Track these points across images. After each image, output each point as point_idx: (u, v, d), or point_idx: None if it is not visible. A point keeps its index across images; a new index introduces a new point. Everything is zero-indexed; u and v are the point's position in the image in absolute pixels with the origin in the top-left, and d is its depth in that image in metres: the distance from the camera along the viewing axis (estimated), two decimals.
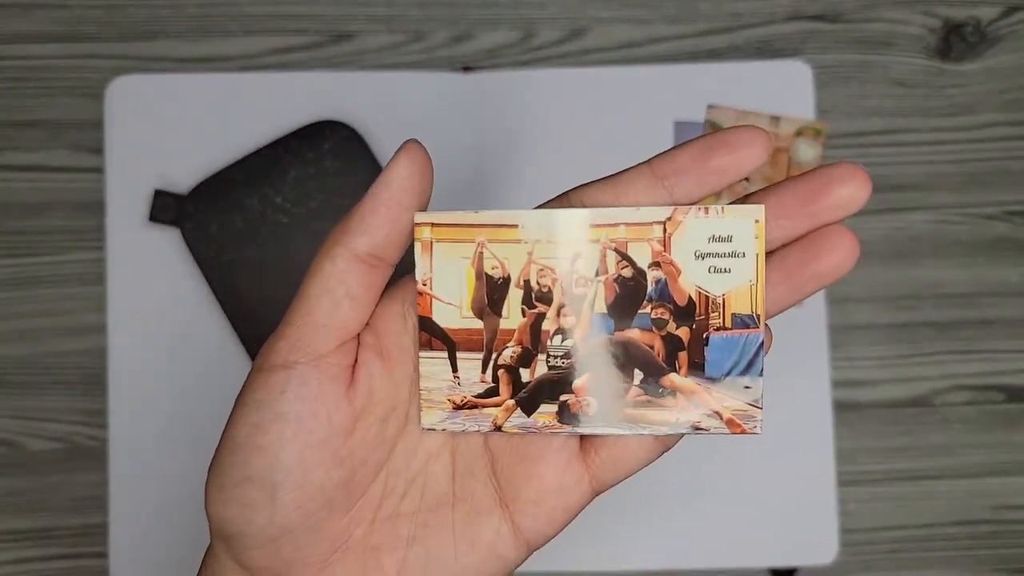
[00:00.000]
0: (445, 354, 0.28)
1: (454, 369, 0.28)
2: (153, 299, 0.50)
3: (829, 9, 0.53)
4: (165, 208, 0.49)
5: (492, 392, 0.28)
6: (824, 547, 0.50)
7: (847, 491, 0.51)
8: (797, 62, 0.52)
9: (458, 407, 0.28)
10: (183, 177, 0.50)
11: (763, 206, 0.26)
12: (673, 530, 0.50)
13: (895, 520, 0.51)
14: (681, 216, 0.27)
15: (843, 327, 0.52)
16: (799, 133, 0.51)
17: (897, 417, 0.52)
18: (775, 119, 0.51)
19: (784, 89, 0.52)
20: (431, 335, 0.28)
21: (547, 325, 0.28)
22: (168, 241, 0.50)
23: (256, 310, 0.49)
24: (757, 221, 0.26)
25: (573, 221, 0.27)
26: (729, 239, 0.27)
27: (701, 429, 0.27)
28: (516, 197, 0.51)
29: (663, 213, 0.27)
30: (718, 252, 0.27)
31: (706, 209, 0.27)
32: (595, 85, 0.52)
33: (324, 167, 0.49)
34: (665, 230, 0.27)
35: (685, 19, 0.53)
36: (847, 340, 0.52)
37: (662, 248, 0.27)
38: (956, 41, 0.53)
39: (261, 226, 0.49)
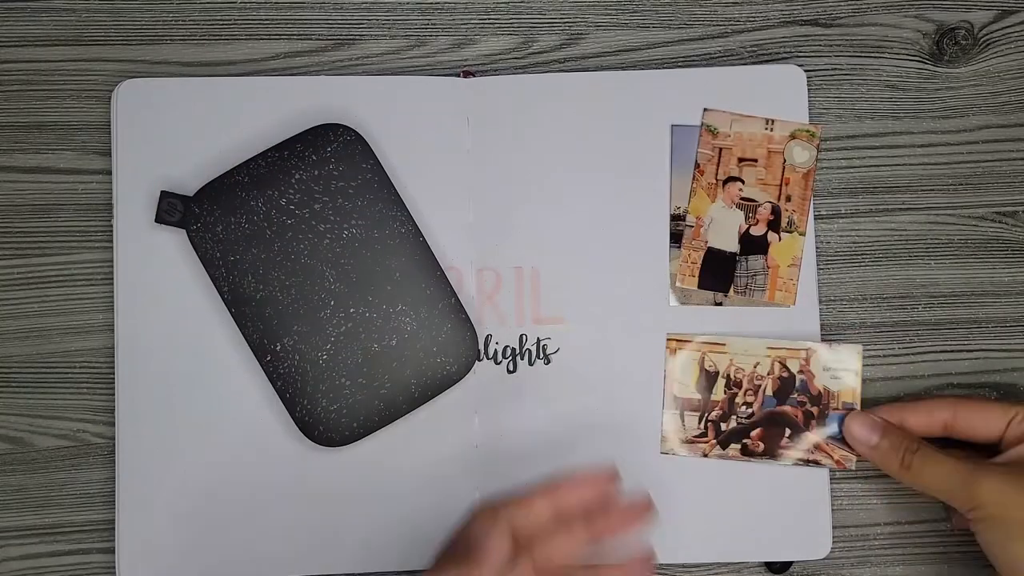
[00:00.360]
0: (678, 412, 0.51)
1: (682, 421, 0.51)
2: (160, 298, 0.51)
3: (823, 14, 0.54)
4: (171, 209, 0.50)
5: (703, 435, 0.51)
6: (818, 542, 0.51)
7: (841, 487, 0.52)
8: (791, 66, 0.53)
9: (683, 442, 0.51)
10: (189, 179, 0.51)
11: (860, 345, 0.51)
12: (669, 525, 0.51)
13: (888, 516, 0.52)
14: (816, 348, 0.51)
15: (836, 326, 0.53)
16: (793, 136, 0.52)
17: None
18: (770, 122, 0.52)
19: (778, 93, 0.53)
20: (669, 400, 0.51)
21: (738, 399, 0.51)
22: (175, 242, 0.51)
23: (261, 310, 0.50)
24: (859, 353, 0.51)
25: (758, 344, 0.51)
26: (842, 361, 0.51)
27: (820, 464, 0.51)
28: (515, 200, 0.52)
29: (807, 344, 0.51)
30: (835, 367, 0.51)
31: (830, 344, 0.51)
32: (593, 89, 0.52)
33: (327, 170, 0.50)
34: (808, 353, 0.51)
35: (681, 24, 0.54)
36: (840, 339, 0.52)
37: (806, 362, 0.51)
38: (949, 45, 0.54)
39: (266, 227, 0.50)
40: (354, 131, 0.50)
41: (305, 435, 0.50)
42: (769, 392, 0.51)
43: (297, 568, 0.51)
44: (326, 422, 0.50)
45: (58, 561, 0.52)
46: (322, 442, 0.50)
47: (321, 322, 0.50)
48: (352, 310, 0.50)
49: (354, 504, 0.51)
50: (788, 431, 0.51)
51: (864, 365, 0.52)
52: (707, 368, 0.51)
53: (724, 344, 0.51)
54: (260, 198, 0.50)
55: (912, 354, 0.53)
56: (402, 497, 0.51)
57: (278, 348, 0.50)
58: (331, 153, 0.50)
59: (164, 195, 0.50)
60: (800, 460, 0.51)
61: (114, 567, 0.51)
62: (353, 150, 0.50)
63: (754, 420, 0.51)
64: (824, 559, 0.51)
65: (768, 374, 0.51)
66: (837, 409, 0.51)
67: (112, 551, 0.51)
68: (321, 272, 0.50)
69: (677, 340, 0.51)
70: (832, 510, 0.51)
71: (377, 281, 0.50)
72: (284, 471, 0.51)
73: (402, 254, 0.50)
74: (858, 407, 0.51)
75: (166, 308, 0.51)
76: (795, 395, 0.51)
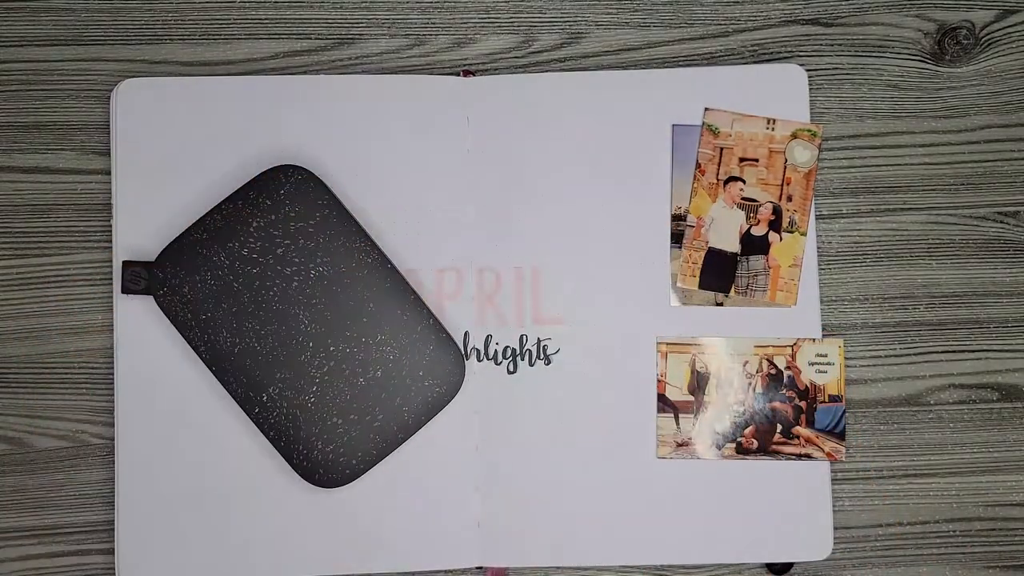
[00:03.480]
0: (672, 415, 0.51)
1: (677, 423, 0.51)
2: None
3: (824, 13, 0.54)
4: (135, 278, 0.49)
5: (698, 436, 0.51)
6: (819, 543, 0.51)
7: (842, 488, 0.52)
8: (792, 65, 0.53)
9: (679, 445, 0.51)
10: (189, 175, 0.51)
11: (842, 339, 0.52)
12: (670, 527, 0.51)
13: (889, 517, 0.52)
14: (802, 342, 0.51)
15: (838, 326, 0.52)
16: (794, 136, 0.52)
17: (891, 416, 0.53)
18: (771, 122, 0.52)
19: (780, 92, 0.52)
20: (663, 404, 0.51)
21: (730, 399, 0.51)
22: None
23: (241, 363, 0.49)
24: (840, 347, 0.52)
25: (747, 342, 0.51)
26: (825, 355, 0.51)
27: (812, 457, 0.51)
28: (516, 200, 0.52)
29: (791, 341, 0.51)
30: (820, 362, 0.51)
31: (813, 340, 0.51)
32: (594, 89, 0.52)
33: (284, 212, 0.49)
34: (793, 349, 0.51)
35: (682, 23, 0.54)
36: (824, 334, 0.52)
37: (792, 358, 0.51)
38: (950, 45, 0.54)
39: (232, 280, 0.49)
40: (305, 170, 0.50)
41: (306, 480, 0.49)
42: (759, 389, 0.51)
43: (296, 569, 0.51)
44: (325, 464, 0.49)
45: (57, 562, 0.51)
46: (325, 484, 0.49)
47: (303, 365, 0.49)
48: (332, 348, 0.49)
49: (352, 504, 0.51)
50: (780, 427, 0.51)
51: (866, 366, 0.52)
52: (698, 369, 0.51)
53: (714, 345, 0.51)
54: (222, 252, 0.49)
55: (914, 354, 0.53)
56: (400, 496, 0.51)
57: (264, 399, 0.49)
58: (285, 195, 0.49)
59: (127, 265, 0.50)
60: (793, 454, 0.51)
61: (113, 568, 0.50)
62: (306, 188, 0.50)
63: (746, 418, 0.51)
64: (825, 560, 0.51)
65: (757, 372, 0.51)
66: (824, 402, 0.51)
67: (111, 552, 0.51)
68: (295, 315, 0.49)
69: (668, 343, 0.51)
70: (833, 511, 0.51)
71: (352, 315, 0.50)
72: (282, 473, 0.51)
73: (372, 284, 0.50)
74: (843, 399, 0.51)
75: None
76: (784, 391, 0.51)
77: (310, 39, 0.54)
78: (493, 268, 0.52)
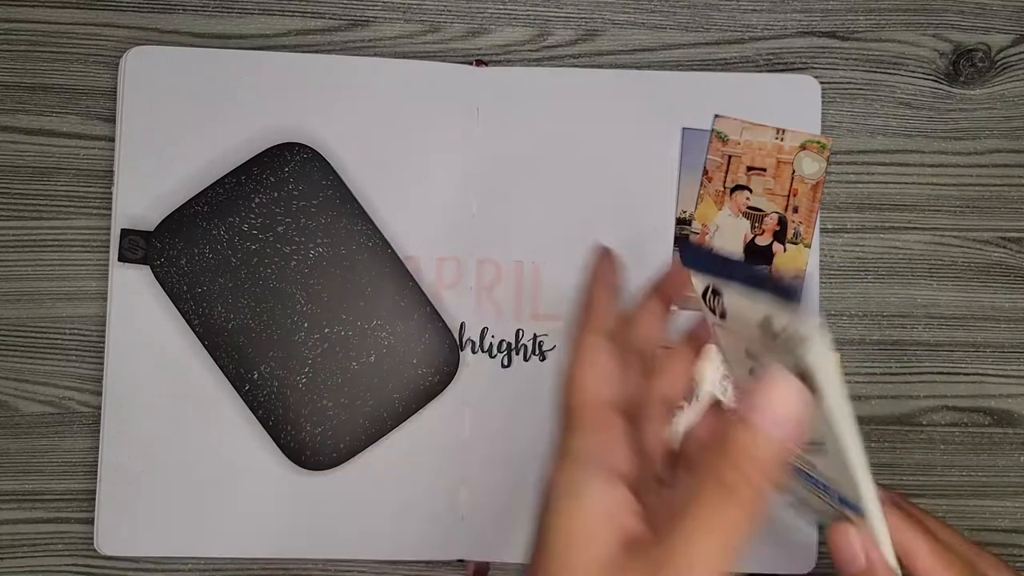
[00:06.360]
0: None
1: None
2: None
3: (841, 27, 0.54)
4: (133, 247, 0.49)
5: None
6: (803, 558, 0.51)
7: None
8: (807, 77, 0.53)
9: None
10: (192, 156, 0.51)
11: (839, 354, 0.48)
12: None
13: None
14: None
15: (835, 341, 0.52)
16: (803, 147, 0.52)
17: (882, 434, 0.52)
18: (780, 132, 0.52)
19: (791, 102, 0.52)
20: None
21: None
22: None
23: (235, 339, 0.49)
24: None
25: None
26: None
27: None
28: (521, 193, 0.52)
29: None
30: None
31: None
32: (606, 87, 0.52)
33: (287, 190, 0.49)
34: None
35: (698, 27, 0.54)
36: (839, 354, 0.52)
37: None
38: (965, 66, 0.54)
39: (231, 255, 0.49)
40: (311, 148, 0.49)
41: (292, 461, 0.49)
42: None
43: (274, 550, 0.50)
44: (312, 447, 0.49)
45: (35, 528, 0.51)
46: (310, 467, 0.49)
47: (296, 345, 0.49)
48: (327, 330, 0.49)
49: (337, 489, 0.50)
50: None
51: (861, 383, 0.52)
52: (693, 376, 0.50)
53: (711, 352, 0.50)
54: (222, 226, 0.49)
55: (909, 373, 0.53)
56: (386, 484, 0.51)
57: (255, 376, 0.49)
58: (289, 172, 0.49)
59: (125, 233, 0.49)
60: None
61: (92, 538, 0.50)
62: (311, 167, 0.49)
63: None
64: (809, 575, 0.51)
65: None
66: None
67: (91, 522, 0.50)
68: (291, 295, 0.49)
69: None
70: (818, 525, 0.51)
71: (349, 298, 0.49)
72: (268, 453, 0.50)
73: (371, 268, 0.49)
74: None
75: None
76: None
77: (324, 19, 0.53)
78: (494, 260, 0.52)
